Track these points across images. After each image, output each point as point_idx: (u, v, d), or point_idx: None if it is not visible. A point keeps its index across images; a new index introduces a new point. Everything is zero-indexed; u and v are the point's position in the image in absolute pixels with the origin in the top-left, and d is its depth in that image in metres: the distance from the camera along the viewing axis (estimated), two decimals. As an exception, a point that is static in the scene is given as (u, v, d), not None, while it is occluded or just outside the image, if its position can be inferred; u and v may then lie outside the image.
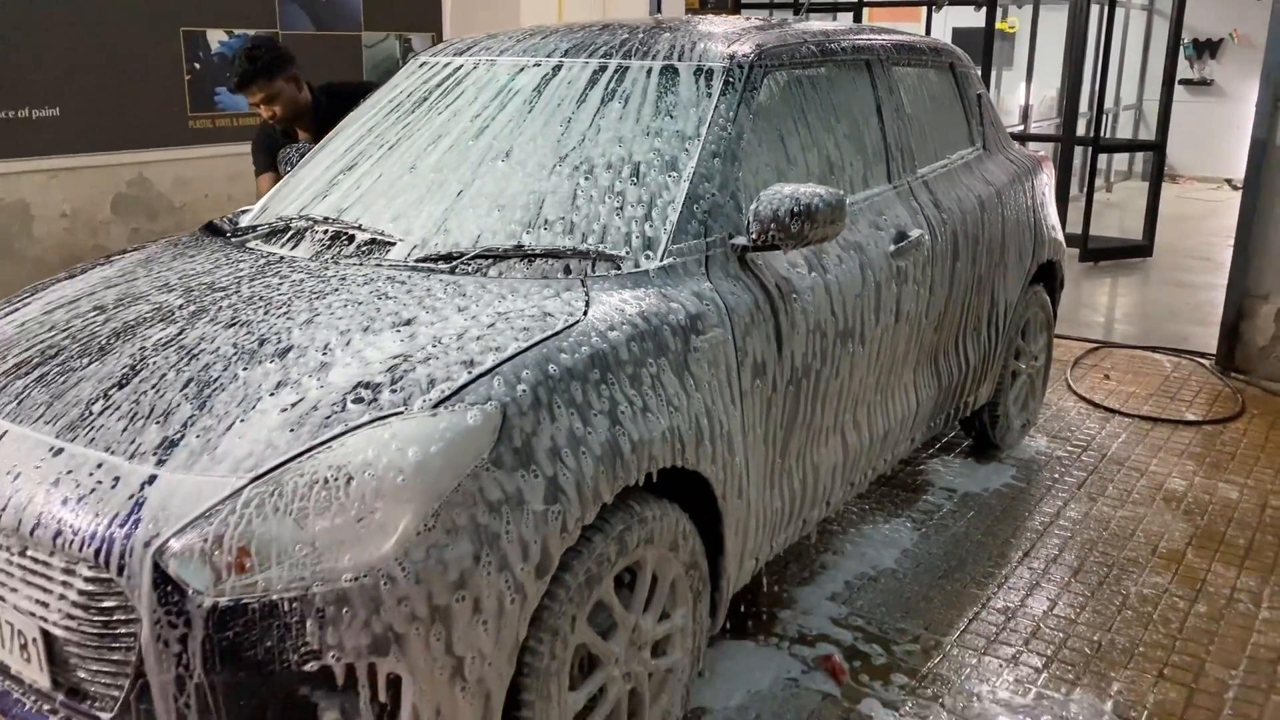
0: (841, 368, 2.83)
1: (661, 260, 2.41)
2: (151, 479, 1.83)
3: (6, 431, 2.02)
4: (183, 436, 1.90)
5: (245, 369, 2.03)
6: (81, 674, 1.89)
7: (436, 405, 1.89)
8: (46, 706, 1.96)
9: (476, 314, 2.17)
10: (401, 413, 1.87)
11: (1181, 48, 15.58)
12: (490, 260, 2.43)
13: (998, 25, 9.64)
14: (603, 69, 2.81)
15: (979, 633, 2.95)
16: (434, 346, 2.04)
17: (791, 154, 2.84)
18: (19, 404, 2.08)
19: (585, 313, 2.19)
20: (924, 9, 11.61)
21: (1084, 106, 10.34)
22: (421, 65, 3.20)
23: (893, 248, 3.04)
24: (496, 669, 1.89)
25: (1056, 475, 4.03)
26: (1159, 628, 2.99)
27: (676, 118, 2.65)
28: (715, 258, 2.50)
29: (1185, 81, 14.37)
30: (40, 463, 1.93)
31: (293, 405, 1.92)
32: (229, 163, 5.57)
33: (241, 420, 1.91)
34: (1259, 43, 14.87)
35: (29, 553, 1.90)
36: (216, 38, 5.48)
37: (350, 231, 2.63)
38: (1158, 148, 9.04)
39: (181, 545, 1.75)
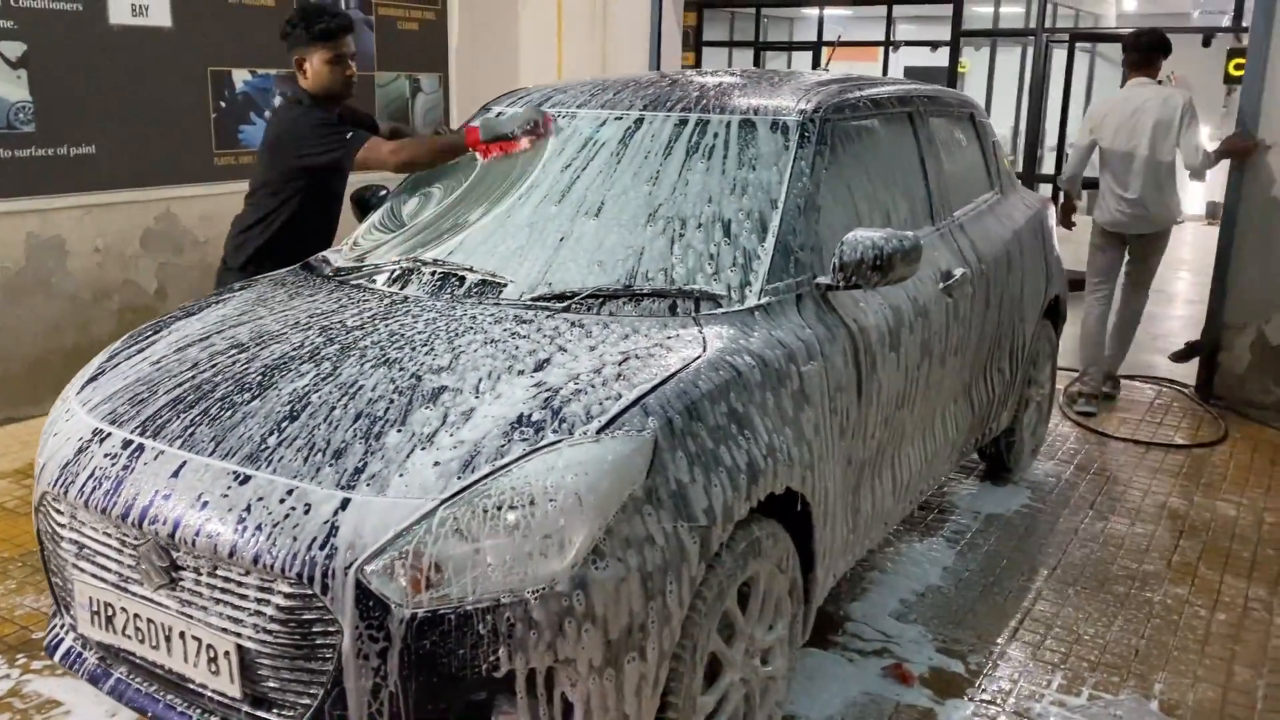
0: (903, 403, 3.07)
1: (760, 299, 2.63)
2: (344, 503, 2.00)
3: (185, 462, 2.17)
4: (365, 465, 2.06)
5: (408, 404, 2.20)
6: (271, 684, 2.05)
7: (599, 432, 2.08)
8: (232, 715, 2.11)
9: (605, 352, 2.37)
10: (565, 440, 2.07)
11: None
12: (600, 300, 2.63)
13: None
14: (683, 122, 3.04)
15: (1026, 640, 3.19)
16: (577, 381, 2.24)
17: (855, 199, 3.08)
18: (189, 437, 2.23)
19: (704, 347, 2.40)
20: (880, 49, 12.09)
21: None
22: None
23: (941, 286, 3.30)
24: (653, 678, 2.08)
25: (1067, 496, 4.31)
26: (1186, 634, 3.26)
27: (759, 168, 2.89)
28: (804, 297, 2.73)
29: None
30: (228, 490, 2.08)
31: (463, 436, 2.10)
32: (250, 199, 5.68)
33: (420, 449, 2.08)
34: (1194, 85, 15.55)
35: (219, 572, 2.05)
36: (241, 77, 5.63)
37: (460, 273, 2.82)
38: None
39: (381, 563, 1.93)
